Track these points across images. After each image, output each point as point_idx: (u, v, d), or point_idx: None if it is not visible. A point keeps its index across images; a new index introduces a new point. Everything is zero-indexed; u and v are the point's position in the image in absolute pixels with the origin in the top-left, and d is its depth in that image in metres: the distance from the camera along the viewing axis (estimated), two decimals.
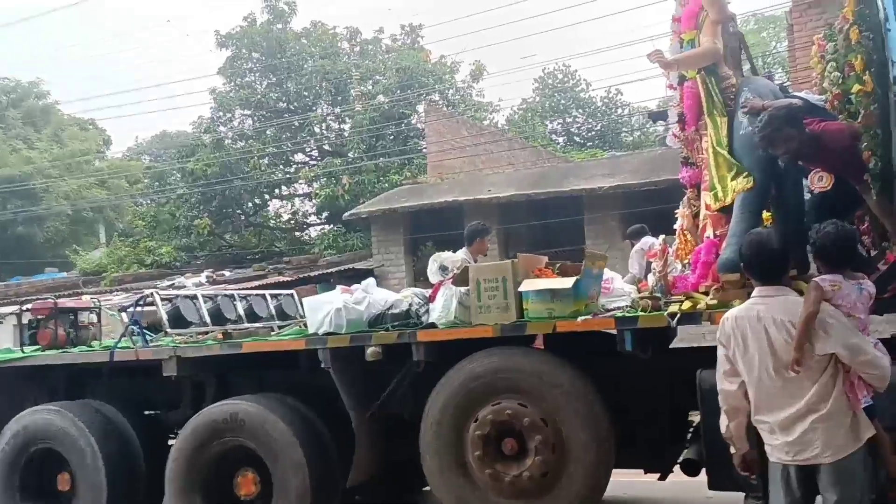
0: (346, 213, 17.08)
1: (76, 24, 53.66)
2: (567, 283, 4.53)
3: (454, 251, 5.95)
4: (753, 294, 3.26)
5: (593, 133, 28.86)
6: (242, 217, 22.50)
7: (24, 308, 6.43)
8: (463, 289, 4.89)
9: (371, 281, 5.45)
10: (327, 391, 5.27)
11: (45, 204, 25.02)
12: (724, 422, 3.31)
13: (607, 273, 5.07)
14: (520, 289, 4.63)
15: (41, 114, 29.63)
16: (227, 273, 19.06)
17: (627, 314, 4.41)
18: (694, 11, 4.66)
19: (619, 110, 29.15)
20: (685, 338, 4.94)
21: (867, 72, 3.55)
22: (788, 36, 12.75)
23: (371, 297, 5.24)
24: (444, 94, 22.89)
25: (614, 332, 4.40)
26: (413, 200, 15.95)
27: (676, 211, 5.98)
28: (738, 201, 4.30)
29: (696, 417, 4.77)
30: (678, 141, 4.93)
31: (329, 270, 16.63)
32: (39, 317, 6.27)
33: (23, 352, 6.14)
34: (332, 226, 22.54)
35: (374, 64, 22.64)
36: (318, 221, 24.07)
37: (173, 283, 10.42)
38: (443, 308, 4.90)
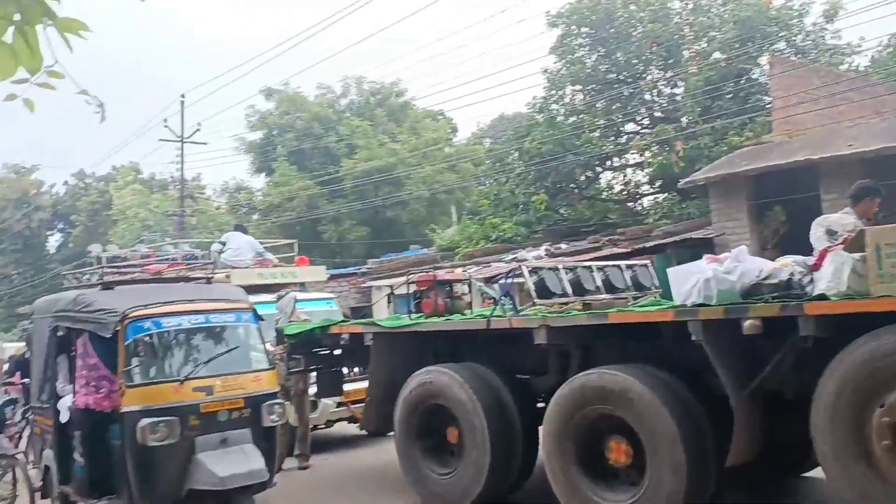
0: (682, 181, 16.41)
1: (420, 27, 59.65)
2: None
3: (812, 216, 5.34)
4: None
5: None
6: (576, 191, 22.93)
7: (410, 280, 7.28)
8: (857, 255, 4.34)
9: (742, 249, 5.11)
10: (695, 364, 5.10)
11: (406, 189, 28.43)
12: None
13: None
14: None
15: (400, 110, 33.72)
16: (563, 246, 19.61)
17: None
18: None
19: None
20: None
21: None
22: None
23: (743, 266, 4.92)
24: (790, 41, 20.63)
25: None
26: (757, 162, 14.71)
27: None
28: None
29: None
30: None
31: (664, 241, 16.18)
32: (422, 288, 7.05)
33: (410, 319, 6.97)
34: (666, 194, 21.89)
35: (709, 20, 21.26)
36: (652, 191, 23.53)
37: (515, 257, 10.98)
38: (833, 277, 4.41)
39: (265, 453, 5.77)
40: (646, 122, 22.95)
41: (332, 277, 19.45)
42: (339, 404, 9.04)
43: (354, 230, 28.76)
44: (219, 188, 37.78)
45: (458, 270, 7.84)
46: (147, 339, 5.83)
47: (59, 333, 6.50)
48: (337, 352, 7.98)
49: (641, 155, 21.94)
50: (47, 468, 6.56)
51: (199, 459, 5.48)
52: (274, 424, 6.04)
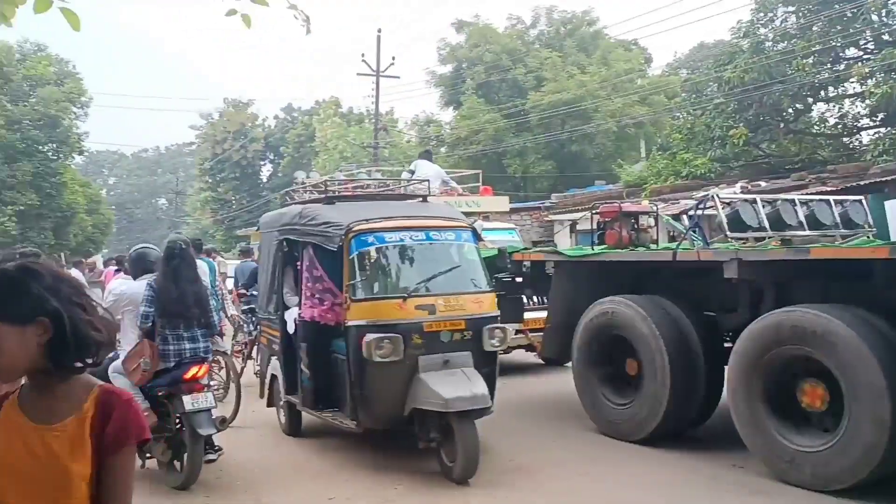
0: None
1: None
2: None
3: None
4: None
5: None
6: (781, 124, 21.05)
7: (595, 212, 7.17)
8: None
9: None
10: None
11: (594, 122, 27.63)
12: None
13: None
14: None
15: (591, 39, 32.48)
16: (763, 184, 18.22)
17: None
18: None
19: None
20: None
21: None
22: None
23: None
24: None
25: None
26: None
27: None
28: None
29: None
30: None
31: (883, 179, 14.47)
32: (606, 219, 6.94)
33: (593, 250, 6.90)
34: (889, 129, 19.50)
35: None
36: (872, 125, 21.03)
37: (707, 195, 10.37)
38: None
39: (486, 378, 5.43)
40: (870, 46, 20.34)
41: (515, 210, 19.58)
42: (518, 331, 9.21)
43: (539, 164, 28.59)
44: (409, 121, 39.01)
45: (645, 203, 7.58)
46: (371, 253, 5.71)
47: (285, 247, 6.63)
48: (518, 279, 8.11)
49: (862, 84, 19.54)
50: (274, 377, 6.78)
51: (422, 379, 5.26)
52: (495, 349, 5.69)
